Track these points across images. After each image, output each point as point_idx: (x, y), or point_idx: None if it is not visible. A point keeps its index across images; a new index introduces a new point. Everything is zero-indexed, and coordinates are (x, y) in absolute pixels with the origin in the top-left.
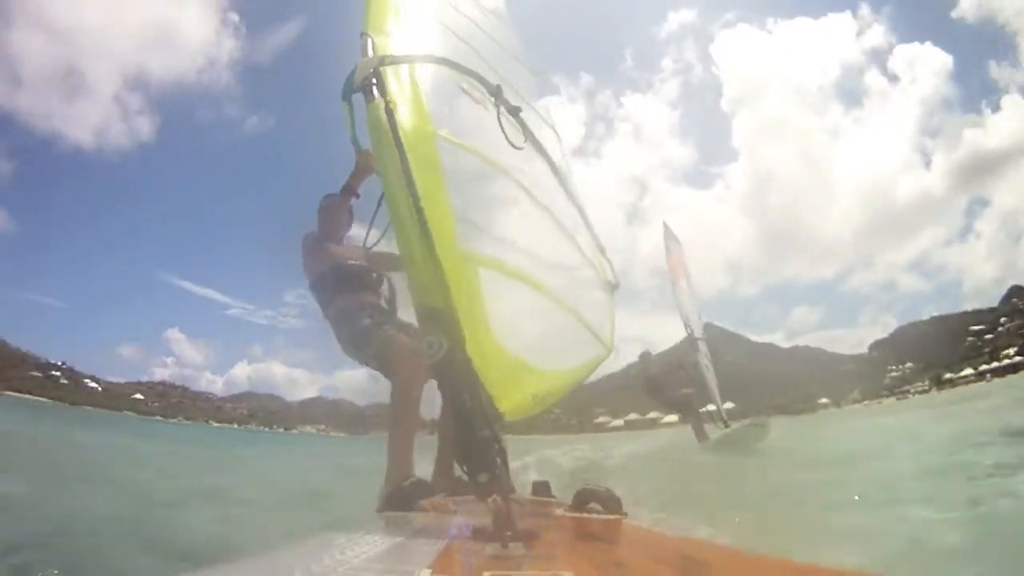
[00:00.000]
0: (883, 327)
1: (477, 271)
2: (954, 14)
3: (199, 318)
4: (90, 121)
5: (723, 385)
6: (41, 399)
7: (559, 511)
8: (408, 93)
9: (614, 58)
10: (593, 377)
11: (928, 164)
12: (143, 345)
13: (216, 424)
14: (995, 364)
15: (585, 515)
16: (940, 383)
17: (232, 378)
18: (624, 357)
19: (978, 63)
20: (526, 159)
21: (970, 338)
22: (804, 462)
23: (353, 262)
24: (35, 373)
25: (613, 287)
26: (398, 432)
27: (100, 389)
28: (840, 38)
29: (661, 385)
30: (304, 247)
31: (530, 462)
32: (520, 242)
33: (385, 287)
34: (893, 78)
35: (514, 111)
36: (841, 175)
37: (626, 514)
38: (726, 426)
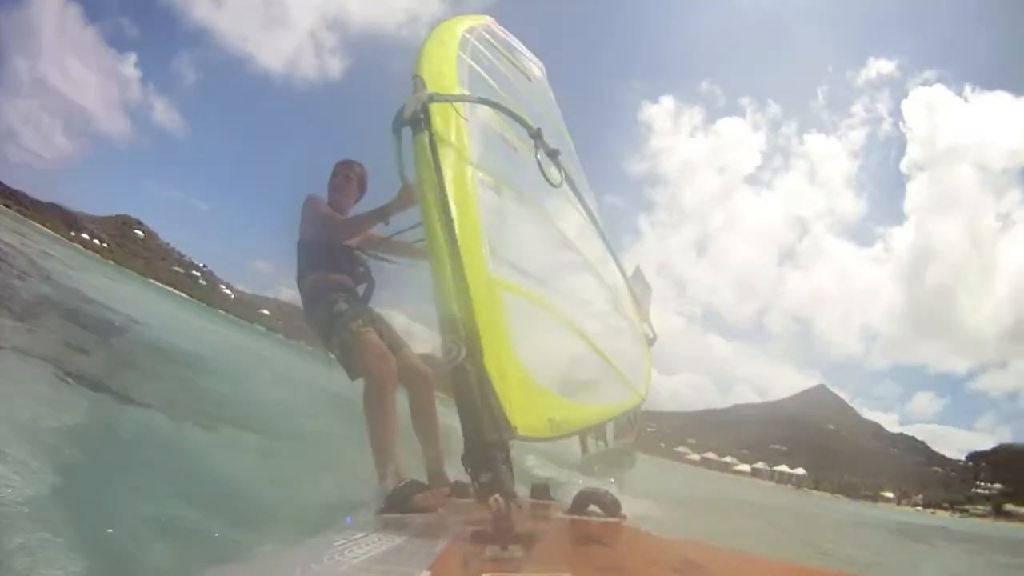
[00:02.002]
0: (998, 438)
1: (501, 293)
2: None
3: None
4: (283, 50)
5: (808, 452)
6: (181, 294)
7: (559, 514)
8: (452, 131)
9: (806, 93)
10: (698, 407)
11: None
12: (277, 263)
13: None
14: None
15: (585, 518)
16: (1000, 512)
17: None
18: (736, 397)
19: None
20: (561, 207)
21: None
22: None
23: (351, 242)
24: (177, 268)
25: (650, 340)
26: (379, 434)
27: (232, 297)
28: None
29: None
30: (308, 209)
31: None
32: (551, 280)
33: (366, 280)
34: None
35: (553, 154)
36: (1003, 267)
37: (625, 517)
38: (606, 445)
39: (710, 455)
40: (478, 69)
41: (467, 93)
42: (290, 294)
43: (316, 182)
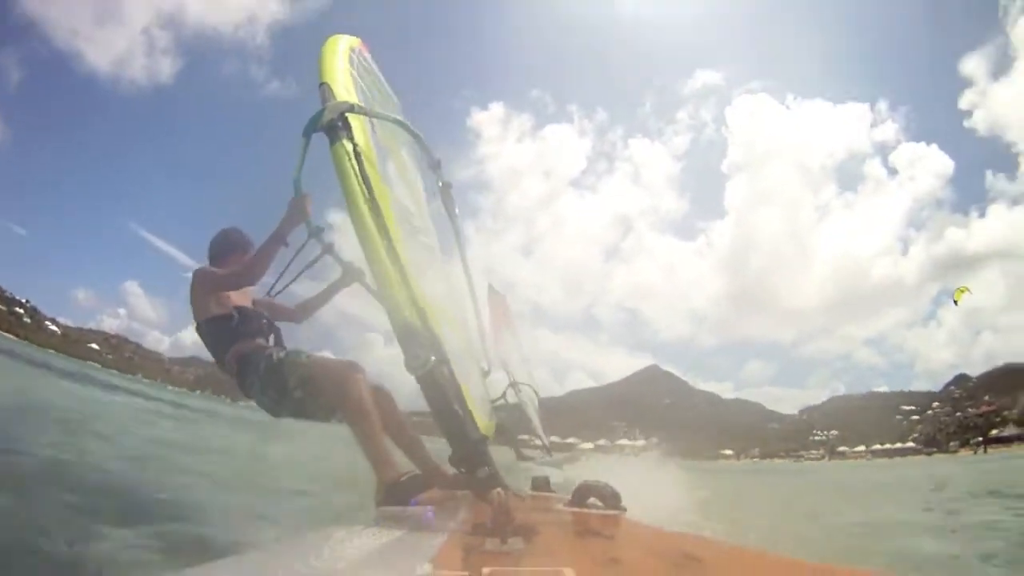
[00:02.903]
0: (832, 392)
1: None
2: (966, 124)
3: (158, 275)
4: (114, 48)
5: (647, 425)
6: (8, 336)
7: (559, 506)
8: (363, 142)
9: (633, 102)
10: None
11: (906, 252)
12: (98, 292)
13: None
14: (899, 445)
15: (584, 510)
16: (834, 453)
17: (179, 340)
18: (572, 383)
19: (977, 172)
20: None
21: (898, 416)
22: None
23: (253, 308)
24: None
25: (485, 373)
26: (365, 434)
27: (59, 333)
28: (852, 126)
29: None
30: (200, 281)
31: None
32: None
33: (275, 337)
34: (893, 171)
35: (447, 185)
36: (820, 250)
37: (625, 509)
38: (549, 455)
39: (555, 438)
40: (363, 87)
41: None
42: (114, 324)
43: (143, 199)
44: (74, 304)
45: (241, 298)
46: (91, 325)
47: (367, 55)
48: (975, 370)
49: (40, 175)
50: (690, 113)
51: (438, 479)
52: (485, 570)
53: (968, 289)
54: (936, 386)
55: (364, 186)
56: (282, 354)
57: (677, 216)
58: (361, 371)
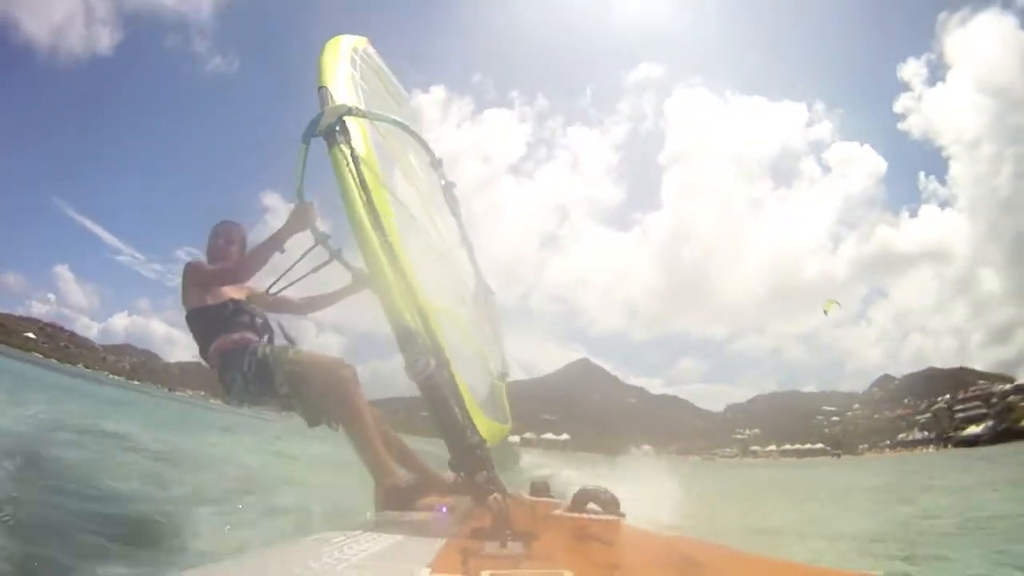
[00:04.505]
0: (760, 390)
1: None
2: (900, 126)
3: (89, 259)
4: (51, 16)
5: (576, 419)
6: None
7: (558, 511)
8: (363, 147)
9: (574, 90)
10: None
11: (836, 250)
12: (28, 276)
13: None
14: (808, 446)
15: (584, 515)
16: (747, 452)
17: (110, 327)
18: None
19: (909, 173)
20: (439, 230)
21: (819, 416)
22: None
23: (244, 301)
24: None
25: (502, 375)
26: (361, 438)
27: None
28: (789, 123)
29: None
30: (191, 274)
31: None
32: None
33: (268, 332)
34: (827, 169)
35: (450, 185)
36: (754, 244)
37: (624, 514)
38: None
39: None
40: (365, 88)
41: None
42: (43, 310)
43: (76, 176)
44: (2, 287)
45: (236, 292)
46: (20, 311)
47: (374, 55)
48: (903, 371)
49: None
50: (631, 104)
51: (436, 484)
52: (484, 574)
53: (837, 302)
54: (864, 387)
55: (362, 191)
56: (268, 349)
57: (613, 205)
58: (351, 368)
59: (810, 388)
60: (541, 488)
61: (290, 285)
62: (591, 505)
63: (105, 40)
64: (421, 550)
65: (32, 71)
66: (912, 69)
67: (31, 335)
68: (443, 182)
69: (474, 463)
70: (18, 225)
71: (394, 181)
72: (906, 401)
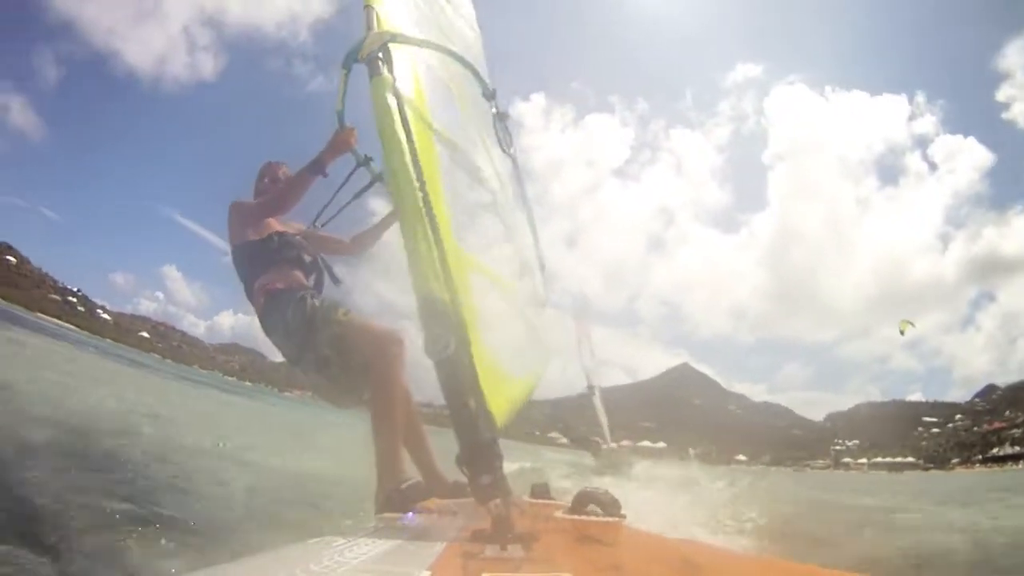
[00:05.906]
0: (865, 397)
1: (469, 274)
2: (1004, 116)
3: (195, 259)
4: (153, 47)
5: (677, 426)
6: (68, 326)
7: (558, 513)
8: (411, 78)
9: (674, 93)
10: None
11: (945, 251)
12: (137, 275)
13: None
14: (899, 459)
15: (584, 518)
16: (838, 464)
17: (215, 325)
18: (606, 380)
19: (1017, 166)
20: (496, 170)
21: (919, 428)
22: None
23: (290, 234)
24: (54, 296)
25: (543, 303)
26: (385, 429)
27: (111, 321)
28: (891, 118)
29: (568, 425)
30: (234, 211)
31: None
32: (491, 249)
33: (316, 271)
34: (932, 165)
35: (502, 116)
36: (862, 245)
37: (625, 516)
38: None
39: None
40: (426, 12)
41: (412, 34)
42: (151, 308)
43: (178, 191)
44: (112, 287)
45: (282, 227)
46: (129, 309)
47: None
48: (1010, 380)
49: (77, 165)
50: (731, 105)
51: (438, 487)
52: None
53: (912, 323)
54: (969, 396)
55: (403, 125)
56: (317, 302)
57: (719, 208)
58: (401, 344)
59: (915, 396)
60: (542, 490)
61: (338, 213)
62: (592, 507)
63: (209, 67)
64: (421, 553)
65: (137, 97)
66: (1013, 55)
67: (145, 334)
68: (495, 111)
69: (482, 461)
70: (126, 228)
71: (450, 114)
72: (1008, 413)
